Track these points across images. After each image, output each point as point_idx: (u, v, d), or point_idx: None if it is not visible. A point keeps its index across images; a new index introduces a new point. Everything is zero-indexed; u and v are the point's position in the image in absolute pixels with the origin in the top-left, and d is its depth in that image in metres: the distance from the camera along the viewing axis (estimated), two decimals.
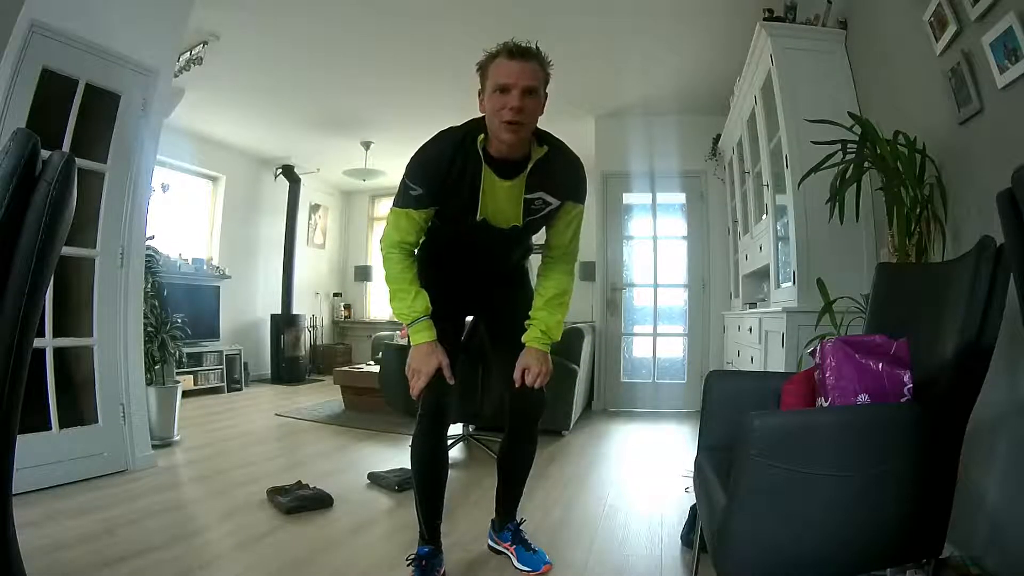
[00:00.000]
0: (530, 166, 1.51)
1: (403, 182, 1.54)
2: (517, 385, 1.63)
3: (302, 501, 2.22)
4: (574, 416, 3.88)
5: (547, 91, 1.50)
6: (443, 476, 1.73)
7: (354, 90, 4.61)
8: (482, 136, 1.49)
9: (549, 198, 1.57)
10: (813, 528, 1.06)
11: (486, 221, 1.55)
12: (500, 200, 1.54)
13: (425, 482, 1.70)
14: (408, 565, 1.69)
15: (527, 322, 1.68)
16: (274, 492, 2.29)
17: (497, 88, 1.42)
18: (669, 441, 3.76)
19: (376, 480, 2.60)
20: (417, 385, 1.58)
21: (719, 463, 1.32)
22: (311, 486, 2.36)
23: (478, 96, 1.51)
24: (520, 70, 1.41)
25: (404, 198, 1.55)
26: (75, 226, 1.34)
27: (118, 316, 2.66)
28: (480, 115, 1.52)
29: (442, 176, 1.50)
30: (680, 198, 5.04)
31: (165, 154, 3.99)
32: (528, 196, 1.54)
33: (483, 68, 1.49)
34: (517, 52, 1.43)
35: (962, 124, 1.76)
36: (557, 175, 1.56)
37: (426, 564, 1.66)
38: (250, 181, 6.28)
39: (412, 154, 1.55)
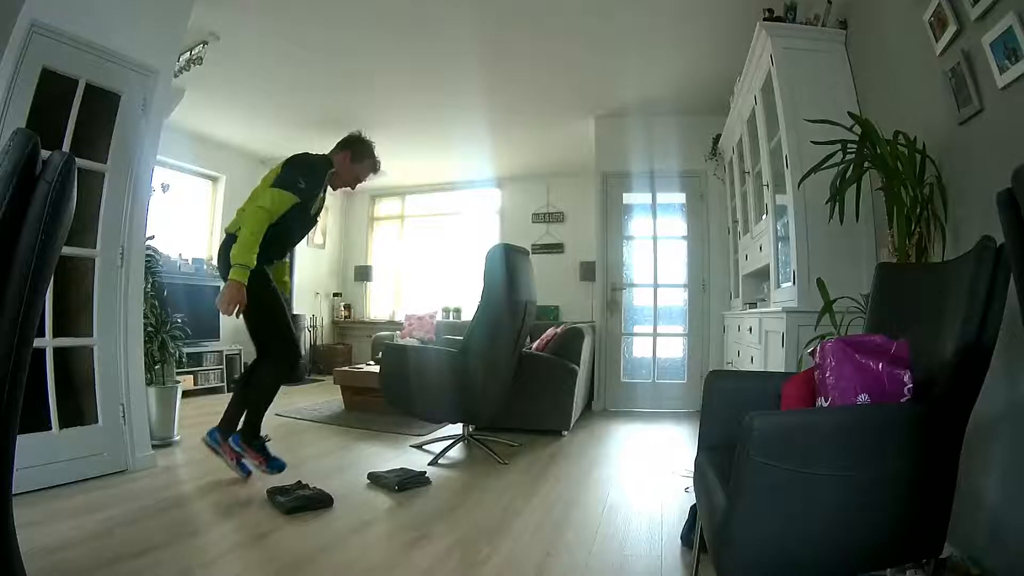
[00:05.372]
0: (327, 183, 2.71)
1: (293, 175, 2.47)
2: None
3: (302, 501, 2.22)
4: (574, 416, 3.88)
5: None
6: None
7: (354, 90, 4.61)
8: (332, 171, 2.65)
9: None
10: (813, 528, 1.06)
11: (315, 215, 2.71)
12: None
13: (271, 402, 2.85)
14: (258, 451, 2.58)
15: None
16: (274, 492, 2.29)
17: (356, 176, 2.73)
18: (669, 441, 3.75)
19: (376, 480, 2.60)
20: (232, 309, 2.36)
21: (719, 463, 1.32)
22: (311, 486, 2.36)
23: (347, 152, 2.67)
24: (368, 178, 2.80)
25: (293, 186, 2.45)
26: (75, 226, 1.34)
27: (118, 316, 2.66)
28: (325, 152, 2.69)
29: (316, 185, 2.57)
30: (680, 198, 5.04)
31: (165, 154, 4.00)
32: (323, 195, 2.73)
33: (359, 151, 2.69)
34: (376, 170, 2.81)
35: (962, 124, 1.76)
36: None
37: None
38: (250, 181, 6.12)
39: (298, 155, 2.60)
